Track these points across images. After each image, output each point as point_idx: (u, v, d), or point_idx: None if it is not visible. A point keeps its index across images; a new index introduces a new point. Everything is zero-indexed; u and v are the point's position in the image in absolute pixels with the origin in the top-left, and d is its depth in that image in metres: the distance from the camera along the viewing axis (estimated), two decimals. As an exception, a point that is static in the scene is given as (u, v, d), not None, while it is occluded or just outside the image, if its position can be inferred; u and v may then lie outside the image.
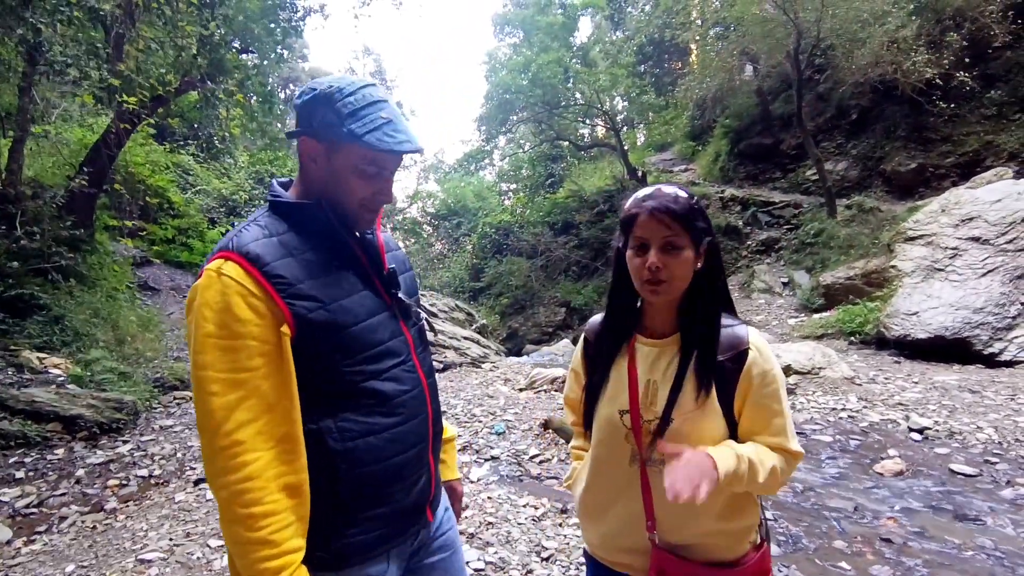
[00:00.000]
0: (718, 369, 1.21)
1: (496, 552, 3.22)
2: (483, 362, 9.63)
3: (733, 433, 1.25)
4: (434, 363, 1.38)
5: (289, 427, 1.06)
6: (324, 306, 1.09)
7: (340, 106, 1.10)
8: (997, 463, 4.24)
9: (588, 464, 1.41)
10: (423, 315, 1.33)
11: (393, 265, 1.28)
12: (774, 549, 3.18)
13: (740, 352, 1.22)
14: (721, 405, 1.22)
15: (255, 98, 10.78)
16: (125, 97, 6.86)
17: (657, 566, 1.25)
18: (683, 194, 1.21)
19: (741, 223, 14.46)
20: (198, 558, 3.24)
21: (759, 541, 1.30)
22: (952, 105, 11.56)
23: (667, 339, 1.29)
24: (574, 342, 11.96)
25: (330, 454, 1.10)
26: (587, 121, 20.79)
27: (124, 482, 4.53)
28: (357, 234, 1.23)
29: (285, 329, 1.06)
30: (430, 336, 9.75)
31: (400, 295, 1.27)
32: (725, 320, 1.27)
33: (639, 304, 1.34)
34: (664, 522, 1.25)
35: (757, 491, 1.22)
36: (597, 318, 1.44)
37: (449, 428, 1.54)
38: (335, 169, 1.15)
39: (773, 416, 1.22)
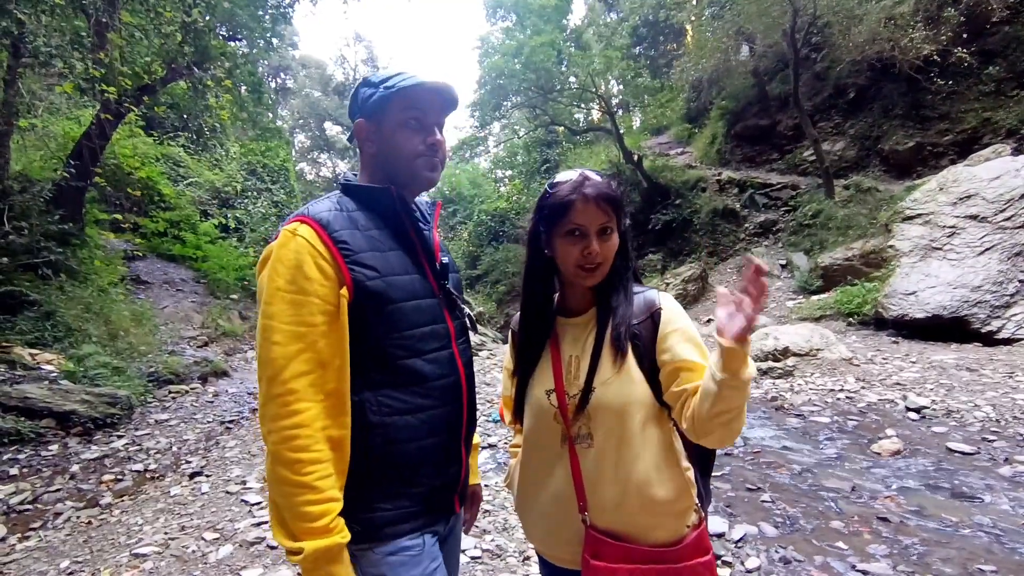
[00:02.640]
0: (634, 333, 1.23)
1: (493, 540, 3.20)
2: (480, 350, 9.62)
3: (659, 398, 1.23)
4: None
5: (338, 384, 1.13)
6: (381, 276, 1.18)
7: (374, 78, 1.28)
8: (995, 440, 4.23)
9: (521, 454, 1.41)
10: (468, 311, 1.40)
11: (446, 260, 1.39)
12: (771, 531, 3.17)
13: (654, 313, 1.26)
14: (642, 370, 1.22)
15: (245, 87, 10.63)
16: (105, 87, 6.73)
17: (591, 548, 1.21)
18: (610, 180, 1.26)
19: (738, 206, 14.38)
20: (193, 551, 3.22)
21: (698, 521, 1.27)
22: (950, 82, 11.45)
23: (585, 314, 1.32)
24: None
25: (367, 426, 1.16)
26: (582, 105, 20.56)
27: (119, 477, 4.51)
28: (416, 226, 1.31)
29: (344, 292, 1.13)
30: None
31: (449, 287, 1.35)
32: (636, 288, 1.31)
33: (556, 288, 1.37)
34: (595, 503, 1.23)
35: (735, 414, 1.07)
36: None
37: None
38: (384, 134, 1.27)
39: (698, 357, 1.19)
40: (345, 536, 1.08)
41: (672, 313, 1.26)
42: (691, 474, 1.28)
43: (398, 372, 1.19)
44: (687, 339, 1.22)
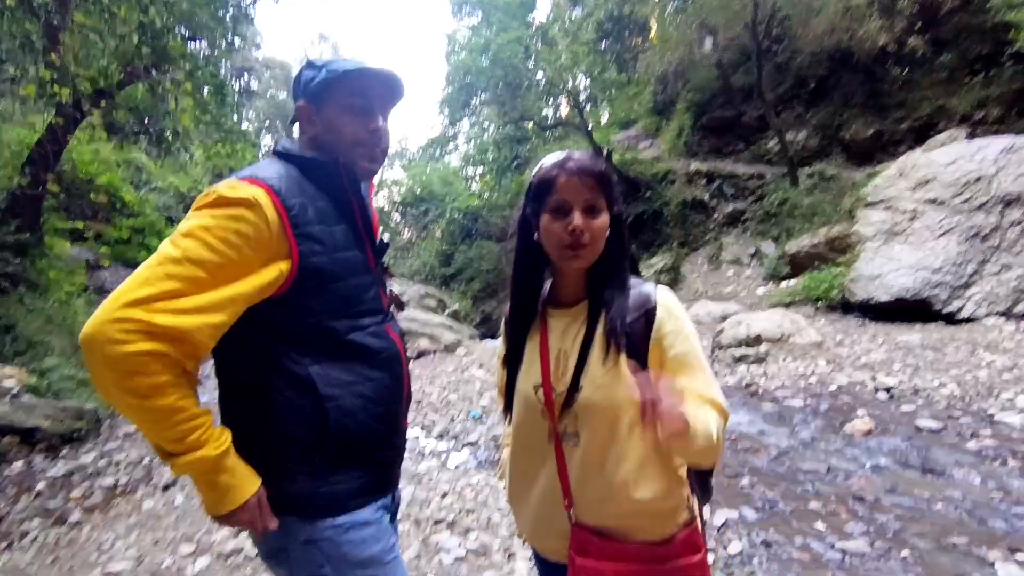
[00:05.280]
0: (627, 332, 1.16)
1: (477, 538, 3.18)
2: (457, 347, 9.57)
3: None
4: (408, 351, 1.53)
5: (208, 339, 1.05)
6: (327, 252, 1.15)
7: (317, 62, 1.26)
8: (960, 417, 4.37)
9: (511, 446, 1.38)
10: (393, 290, 1.42)
11: (386, 238, 1.39)
12: (752, 515, 3.21)
13: (648, 311, 1.17)
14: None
15: (207, 89, 10.36)
16: (58, 89, 6.49)
17: (577, 545, 1.19)
18: (598, 158, 1.22)
19: (707, 196, 14.58)
20: (168, 566, 3.13)
21: (690, 519, 1.22)
22: (905, 71, 11.80)
23: (577, 307, 1.25)
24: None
25: (320, 399, 1.13)
26: (550, 100, 20.62)
27: (88, 493, 4.36)
28: (361, 201, 1.28)
29: (285, 266, 1.09)
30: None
31: (384, 266, 1.38)
32: (633, 281, 1.24)
33: (547, 276, 1.32)
34: (581, 500, 1.20)
35: (704, 451, 1.07)
36: None
37: None
38: (326, 117, 1.24)
39: (694, 373, 1.15)
40: (220, 445, 1.05)
41: (668, 312, 1.18)
42: (683, 472, 1.24)
43: (345, 347, 1.19)
44: (691, 356, 1.16)
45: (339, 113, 1.24)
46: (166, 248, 1.00)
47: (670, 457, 1.20)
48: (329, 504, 1.17)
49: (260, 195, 1.07)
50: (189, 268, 0.98)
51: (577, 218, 1.14)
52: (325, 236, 1.15)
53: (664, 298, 1.20)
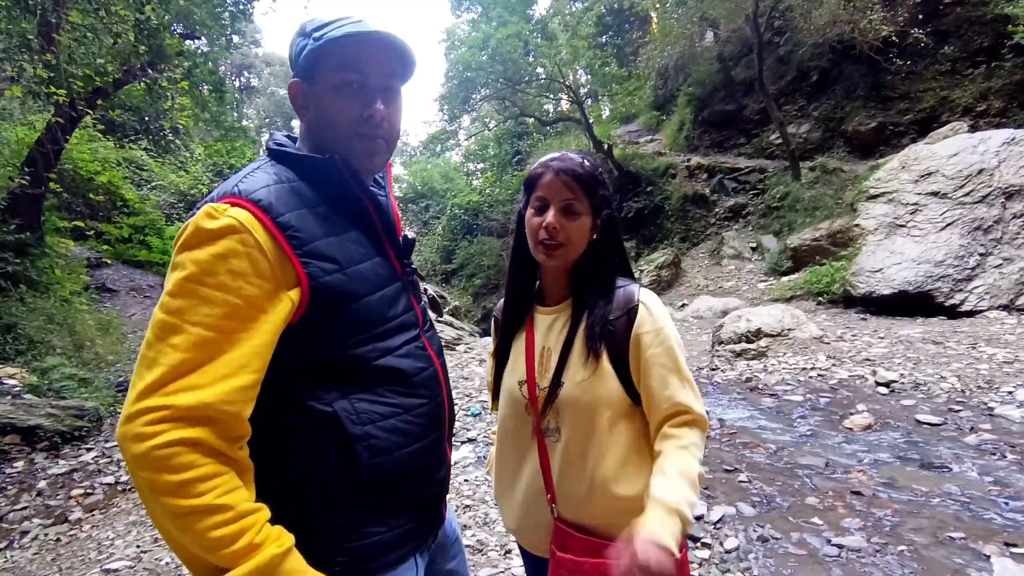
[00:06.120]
0: (608, 331, 1.19)
1: (474, 535, 3.19)
2: (457, 344, 9.57)
3: (631, 394, 1.19)
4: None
5: (242, 407, 0.87)
6: (341, 269, 0.97)
7: (309, 27, 1.03)
8: (960, 411, 4.35)
9: (497, 441, 1.41)
10: (428, 291, 1.28)
11: (410, 235, 1.19)
12: (749, 510, 3.21)
13: (631, 309, 1.20)
14: (615, 367, 1.18)
15: (206, 87, 10.36)
16: (54, 89, 6.49)
17: (558, 540, 1.21)
18: (588, 162, 1.23)
19: (708, 191, 14.54)
20: (167, 563, 3.14)
21: None
22: (908, 62, 11.71)
23: (561, 305, 1.29)
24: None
25: (348, 439, 0.97)
26: (551, 96, 20.56)
27: (89, 491, 4.38)
28: (373, 197, 1.09)
29: (295, 295, 0.92)
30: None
31: (412, 267, 1.18)
32: (620, 282, 1.26)
33: (538, 273, 1.35)
34: (563, 495, 1.22)
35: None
36: None
37: None
38: (319, 99, 1.04)
39: (668, 374, 1.16)
40: (282, 544, 0.87)
41: (649, 312, 1.20)
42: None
43: (373, 375, 1.01)
44: (667, 357, 1.17)
45: (329, 93, 1.03)
46: (159, 316, 0.86)
47: (650, 454, 1.22)
48: (360, 561, 1.01)
49: (245, 217, 0.89)
50: (192, 332, 0.84)
51: (551, 216, 1.18)
52: (335, 250, 0.97)
53: (646, 299, 1.23)
